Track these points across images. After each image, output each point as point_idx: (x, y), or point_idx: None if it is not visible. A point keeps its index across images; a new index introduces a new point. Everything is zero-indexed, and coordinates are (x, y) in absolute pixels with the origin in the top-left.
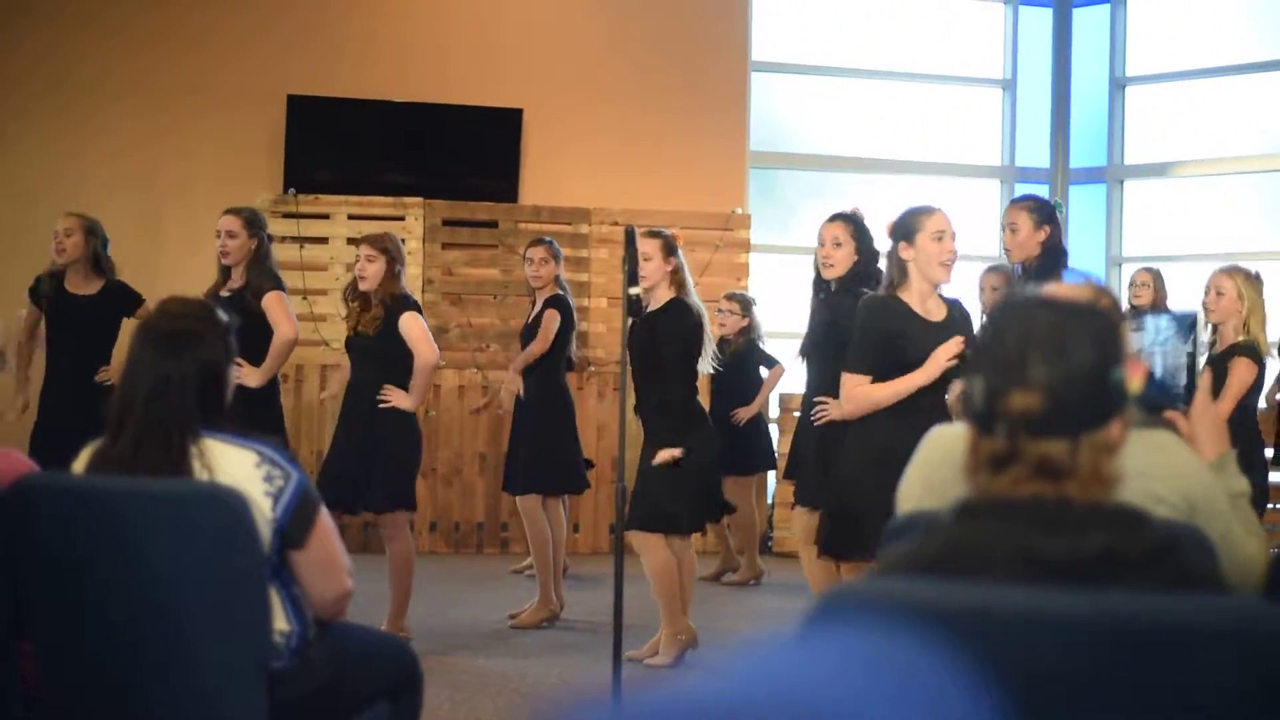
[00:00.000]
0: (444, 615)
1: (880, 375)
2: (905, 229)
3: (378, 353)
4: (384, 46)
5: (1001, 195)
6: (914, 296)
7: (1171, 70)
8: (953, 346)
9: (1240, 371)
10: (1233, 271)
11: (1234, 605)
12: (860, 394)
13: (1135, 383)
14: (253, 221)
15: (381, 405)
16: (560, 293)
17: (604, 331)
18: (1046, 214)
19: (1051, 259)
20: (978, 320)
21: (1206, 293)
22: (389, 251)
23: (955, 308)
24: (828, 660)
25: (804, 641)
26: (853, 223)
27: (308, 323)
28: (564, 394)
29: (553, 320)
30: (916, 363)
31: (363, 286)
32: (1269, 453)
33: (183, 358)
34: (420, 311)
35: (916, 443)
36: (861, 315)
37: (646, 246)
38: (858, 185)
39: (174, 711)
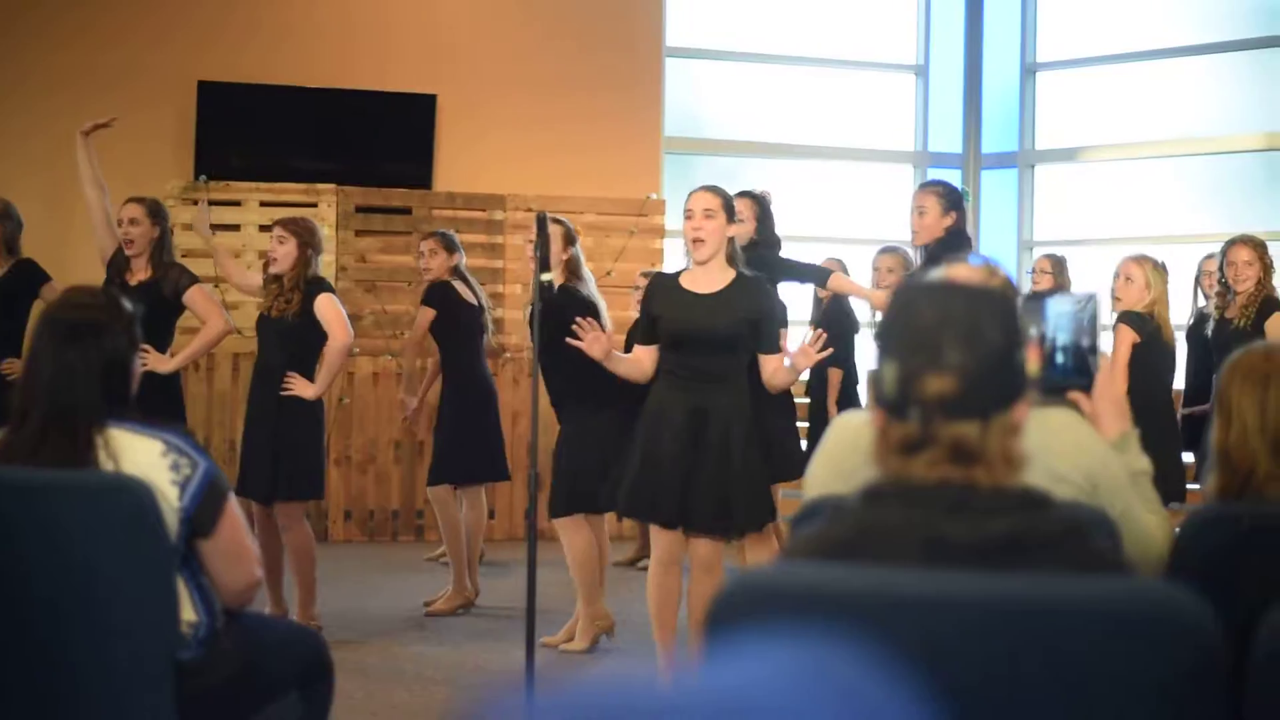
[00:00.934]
0: (359, 604)
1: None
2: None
3: (290, 336)
4: (296, 32)
5: (914, 180)
6: (689, 272)
7: (1082, 56)
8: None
9: (1121, 337)
10: (1142, 260)
11: (1137, 588)
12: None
13: (1033, 364)
14: (156, 210)
15: (284, 393)
16: (444, 281)
17: (519, 318)
18: (954, 200)
19: (954, 243)
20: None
21: (1116, 278)
22: (300, 234)
23: (739, 282)
24: (746, 657)
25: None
26: (755, 199)
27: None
28: (482, 381)
29: (424, 316)
30: (669, 335)
31: (273, 268)
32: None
33: (87, 347)
34: (335, 295)
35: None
36: (644, 292)
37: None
38: (772, 170)
39: (82, 704)
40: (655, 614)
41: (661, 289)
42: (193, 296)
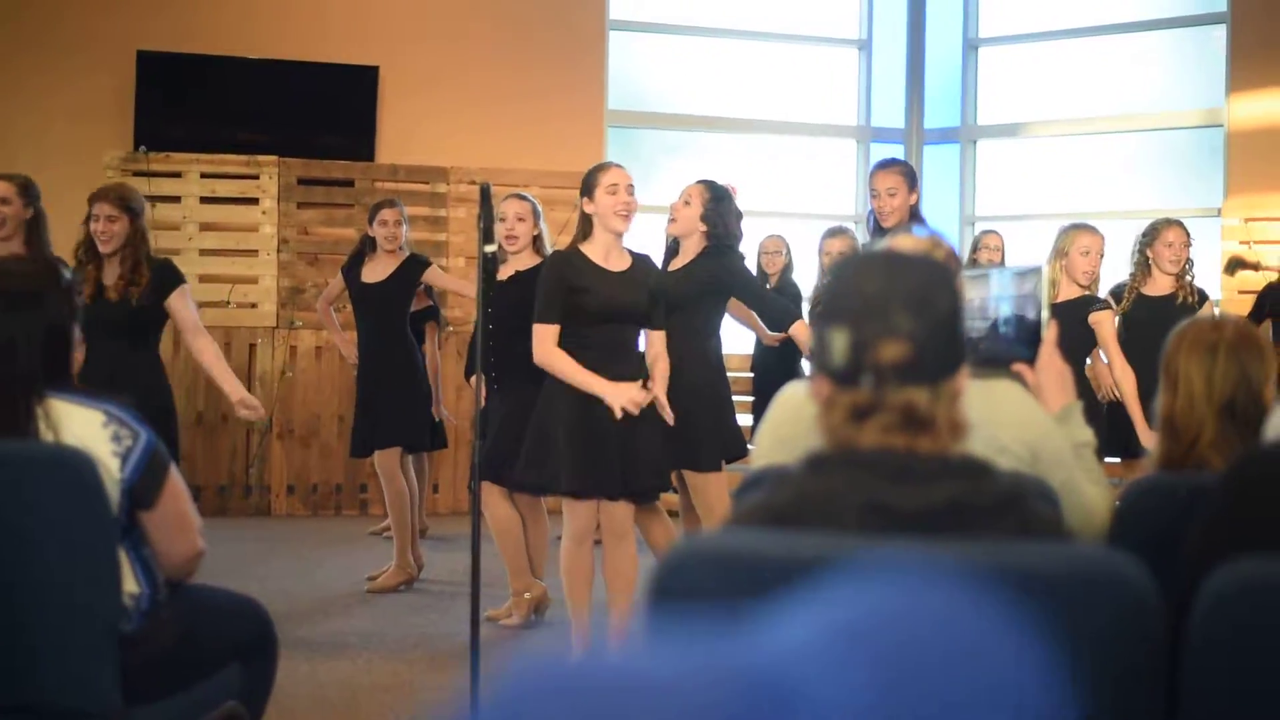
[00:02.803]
0: (302, 578)
1: (566, 323)
2: (586, 185)
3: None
4: (238, 2)
5: (858, 155)
6: (596, 249)
7: (1024, 32)
8: (638, 396)
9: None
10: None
11: (1076, 553)
12: (549, 352)
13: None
14: (28, 189)
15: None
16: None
17: None
18: (915, 179)
19: (914, 223)
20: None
21: (1085, 253)
22: (132, 208)
23: (639, 260)
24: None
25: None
26: (711, 190)
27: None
28: (416, 350)
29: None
30: (595, 310)
31: (105, 249)
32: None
33: (27, 316)
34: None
35: None
36: (545, 269)
37: (520, 208)
38: (715, 144)
39: (23, 676)
40: (571, 590)
41: (577, 264)
42: None
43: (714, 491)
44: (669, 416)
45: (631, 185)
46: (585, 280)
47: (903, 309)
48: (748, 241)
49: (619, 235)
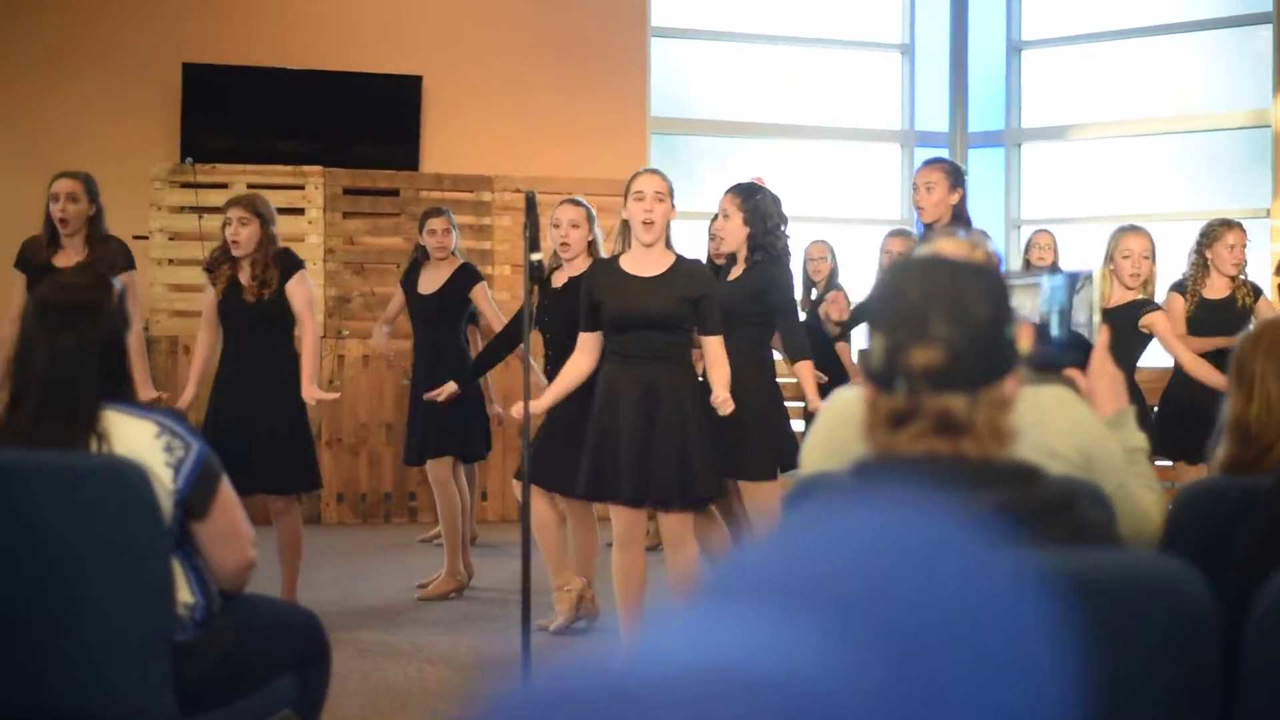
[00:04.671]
0: (353, 586)
1: (604, 332)
2: (624, 192)
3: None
4: (283, 14)
5: (901, 159)
6: (631, 255)
7: (1068, 34)
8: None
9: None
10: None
11: (1128, 558)
12: (571, 359)
13: (1025, 341)
14: (90, 186)
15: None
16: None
17: (508, 299)
18: (960, 178)
19: (958, 224)
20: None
21: (1126, 256)
22: (262, 214)
23: (681, 265)
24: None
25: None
26: (741, 193)
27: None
28: (470, 359)
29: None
30: (614, 318)
31: (237, 252)
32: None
33: (83, 329)
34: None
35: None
36: (583, 279)
37: (574, 214)
38: (759, 150)
39: (79, 688)
40: (620, 595)
41: (603, 274)
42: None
43: (767, 499)
44: (726, 408)
45: (661, 193)
46: (605, 289)
47: (939, 315)
48: (796, 246)
49: (646, 242)
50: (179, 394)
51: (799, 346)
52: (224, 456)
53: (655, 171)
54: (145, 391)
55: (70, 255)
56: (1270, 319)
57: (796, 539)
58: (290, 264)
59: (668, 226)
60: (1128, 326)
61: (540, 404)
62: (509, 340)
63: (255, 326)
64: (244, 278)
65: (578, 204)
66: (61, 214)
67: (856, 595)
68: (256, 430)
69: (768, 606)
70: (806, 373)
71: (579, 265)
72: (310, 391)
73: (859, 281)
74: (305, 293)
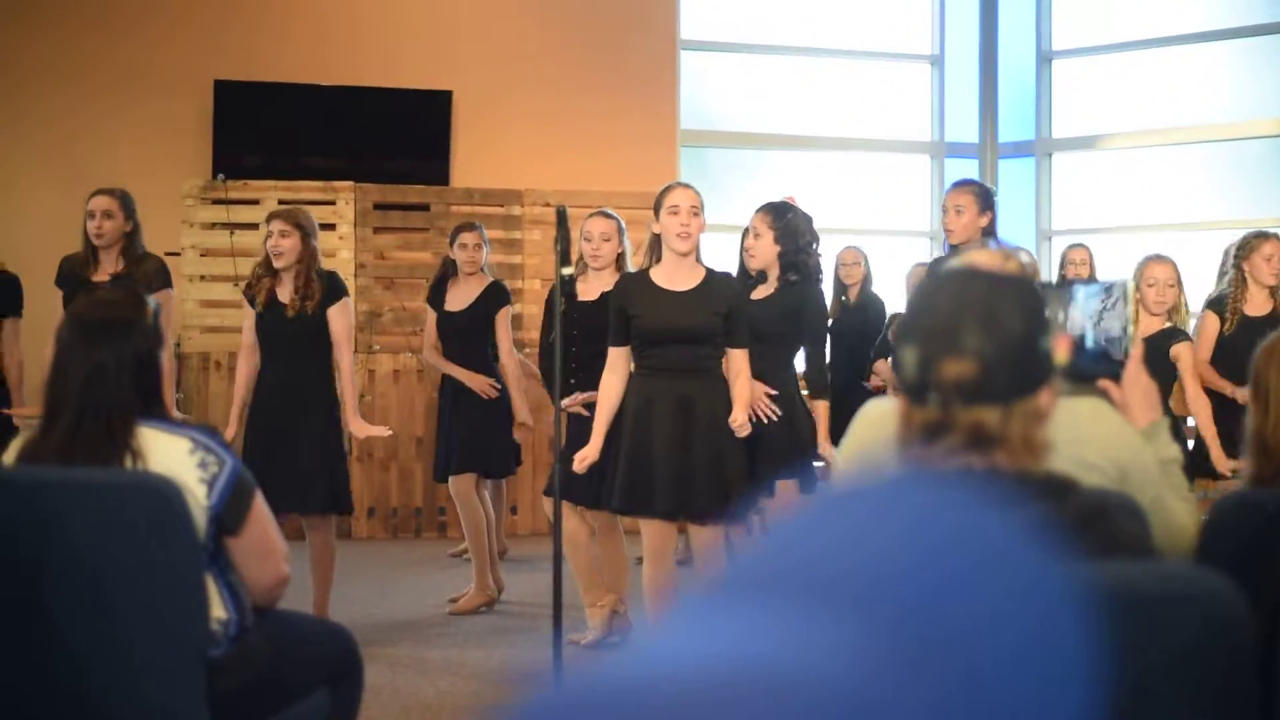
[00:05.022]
0: (384, 601)
1: (634, 346)
2: (655, 205)
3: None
4: (312, 30)
5: (931, 170)
6: (662, 269)
7: (1097, 44)
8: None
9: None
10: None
11: (1165, 571)
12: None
13: (1061, 353)
14: (127, 202)
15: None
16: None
17: (536, 313)
18: (990, 200)
19: (987, 240)
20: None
21: (1151, 284)
22: (303, 226)
23: (712, 278)
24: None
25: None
26: (772, 212)
27: (239, 309)
28: (497, 376)
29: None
30: (647, 332)
31: (278, 264)
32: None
33: (118, 345)
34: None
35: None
36: (611, 294)
37: (605, 227)
38: (788, 162)
39: (112, 703)
40: (651, 610)
41: (635, 287)
42: (159, 300)
43: (785, 499)
44: (743, 432)
45: (695, 207)
46: (638, 304)
47: (971, 328)
48: (826, 258)
49: (682, 255)
50: (208, 409)
51: (820, 385)
52: (258, 473)
53: (688, 186)
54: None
55: (107, 271)
56: None
57: (817, 532)
58: (336, 289)
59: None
60: (1159, 355)
61: (593, 447)
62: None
63: (294, 341)
64: (284, 294)
65: (609, 216)
66: (98, 230)
67: (878, 589)
68: (292, 448)
69: (788, 601)
70: (823, 413)
71: (607, 278)
72: (359, 426)
73: (888, 293)
74: (346, 322)
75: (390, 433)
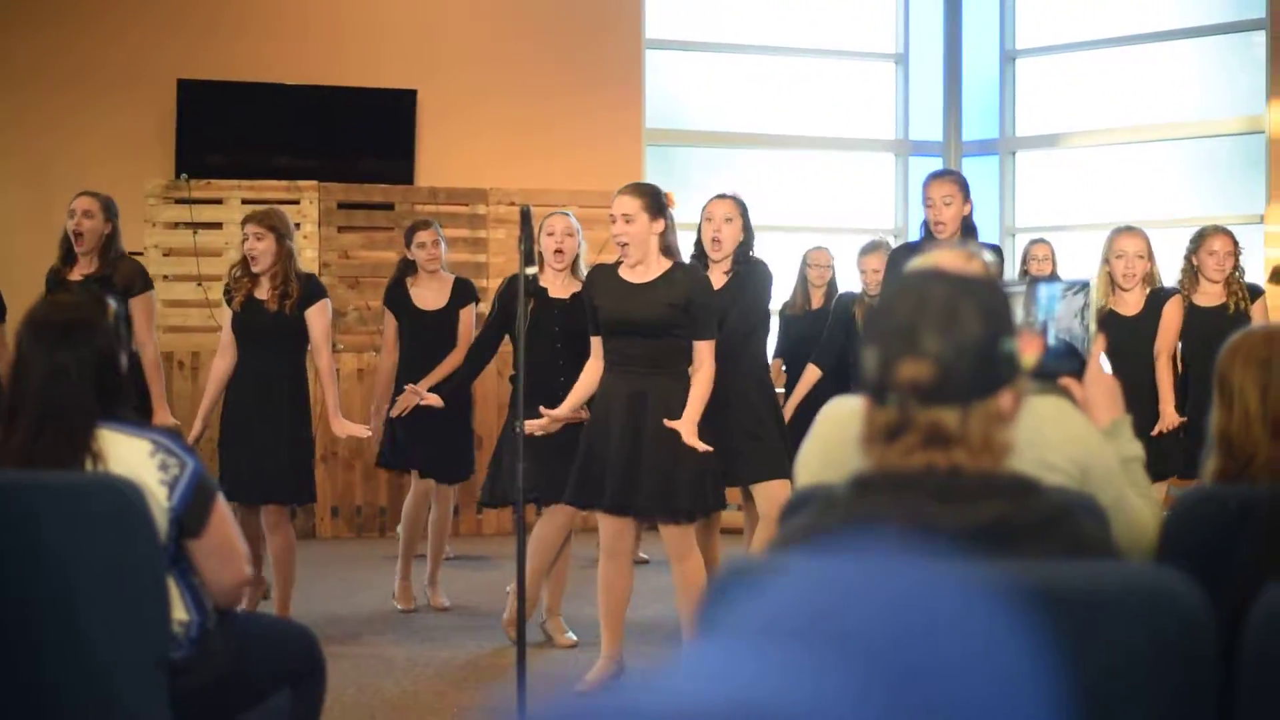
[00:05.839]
0: (348, 600)
1: (601, 335)
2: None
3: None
4: (275, 29)
5: (896, 169)
6: (628, 264)
7: (1061, 42)
8: (541, 422)
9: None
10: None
11: (1126, 571)
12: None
13: (1029, 355)
14: (109, 206)
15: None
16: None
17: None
18: (968, 189)
19: (968, 235)
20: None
21: (1120, 256)
22: (277, 228)
23: (675, 270)
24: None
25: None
26: (736, 201)
27: (203, 309)
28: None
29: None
30: (608, 324)
31: (256, 268)
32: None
33: (79, 348)
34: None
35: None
36: (584, 282)
37: (567, 224)
38: (753, 160)
39: (73, 705)
40: (602, 605)
41: (600, 279)
42: (139, 304)
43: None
44: (695, 443)
45: (628, 215)
46: (600, 295)
47: (929, 330)
48: (791, 256)
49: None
50: (172, 409)
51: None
52: (229, 463)
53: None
54: (162, 415)
55: (82, 271)
56: (1248, 330)
57: (794, 577)
58: (315, 291)
59: (662, 235)
60: (1155, 319)
61: (561, 411)
62: (479, 359)
63: (269, 335)
64: (262, 293)
65: (568, 216)
66: (77, 228)
67: (852, 632)
68: (259, 441)
69: (770, 644)
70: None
71: (568, 278)
72: (340, 425)
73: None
74: (324, 324)
75: (370, 433)
